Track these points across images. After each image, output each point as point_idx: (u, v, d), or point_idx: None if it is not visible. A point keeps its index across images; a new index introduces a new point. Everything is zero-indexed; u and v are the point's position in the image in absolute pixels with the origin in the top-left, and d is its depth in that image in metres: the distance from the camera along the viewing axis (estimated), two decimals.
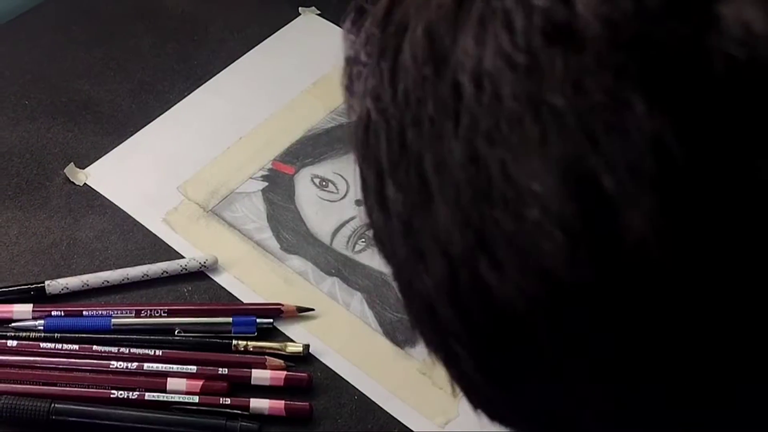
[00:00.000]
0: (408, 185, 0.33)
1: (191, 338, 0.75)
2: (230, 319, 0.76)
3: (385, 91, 0.33)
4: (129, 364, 0.72)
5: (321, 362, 0.76)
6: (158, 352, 0.73)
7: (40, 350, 0.73)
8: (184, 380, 0.72)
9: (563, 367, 0.32)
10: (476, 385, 0.37)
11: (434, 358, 0.39)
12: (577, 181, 0.28)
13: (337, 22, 1.01)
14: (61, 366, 0.72)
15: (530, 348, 0.32)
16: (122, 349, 0.73)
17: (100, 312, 0.75)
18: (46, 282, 0.76)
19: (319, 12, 1.02)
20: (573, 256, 0.29)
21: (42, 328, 0.74)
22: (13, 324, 0.74)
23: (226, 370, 0.73)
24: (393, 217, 0.34)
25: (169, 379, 0.72)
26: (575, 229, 0.28)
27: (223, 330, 0.76)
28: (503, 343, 0.33)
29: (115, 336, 0.74)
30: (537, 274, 0.30)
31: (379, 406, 0.74)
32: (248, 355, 0.75)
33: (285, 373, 0.73)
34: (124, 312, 0.75)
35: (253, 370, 0.73)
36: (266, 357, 0.74)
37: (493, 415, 0.40)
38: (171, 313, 0.75)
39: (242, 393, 0.72)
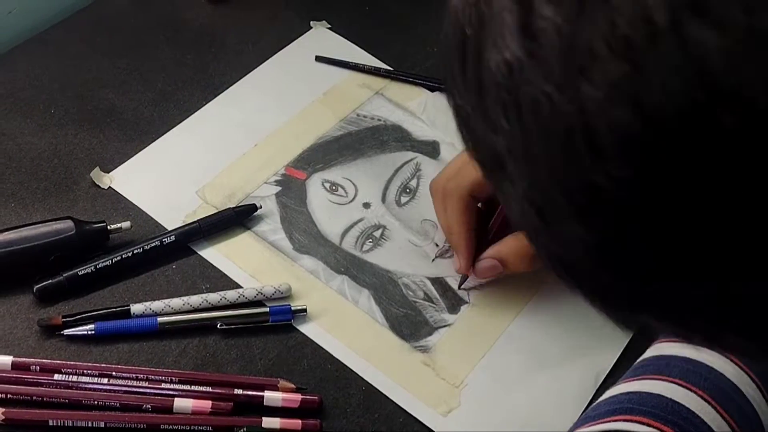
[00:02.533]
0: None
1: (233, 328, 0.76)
2: (267, 309, 0.77)
3: None
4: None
5: (331, 355, 0.76)
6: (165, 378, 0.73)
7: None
8: (191, 401, 0.71)
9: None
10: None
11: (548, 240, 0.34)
12: None
13: (346, 36, 1.02)
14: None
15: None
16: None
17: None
18: (132, 305, 0.76)
19: (329, 26, 1.03)
20: None
21: (93, 332, 0.74)
22: (65, 331, 0.74)
23: (241, 390, 0.73)
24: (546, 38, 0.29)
25: (176, 400, 0.71)
26: None
27: (262, 320, 0.77)
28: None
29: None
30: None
31: (385, 396, 0.74)
32: (261, 377, 0.74)
33: (299, 396, 0.73)
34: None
35: (266, 393, 0.73)
36: (279, 379, 0.74)
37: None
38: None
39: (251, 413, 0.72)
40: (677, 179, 0.28)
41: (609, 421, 0.64)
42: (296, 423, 0.71)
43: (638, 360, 0.70)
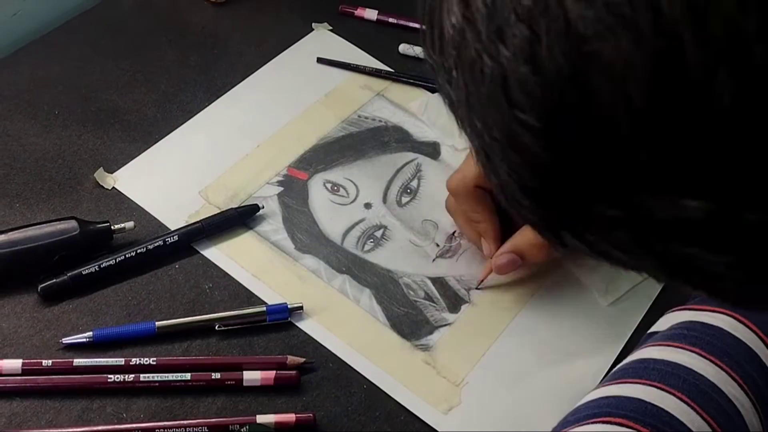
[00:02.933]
0: None
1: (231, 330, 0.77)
2: (264, 308, 0.77)
3: None
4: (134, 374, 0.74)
5: (333, 353, 0.76)
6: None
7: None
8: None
9: None
10: None
11: None
12: None
13: (347, 38, 1.03)
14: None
15: None
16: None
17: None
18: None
19: (330, 28, 1.03)
20: None
21: (92, 340, 0.74)
22: (64, 339, 0.74)
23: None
24: None
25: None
26: None
27: (259, 319, 0.77)
28: None
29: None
30: None
31: (386, 394, 0.75)
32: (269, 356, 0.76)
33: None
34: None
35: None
36: (287, 356, 0.75)
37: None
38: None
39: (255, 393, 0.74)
40: (569, 128, 0.33)
41: (588, 424, 0.64)
42: (290, 417, 0.72)
43: (619, 365, 0.71)
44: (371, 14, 1.04)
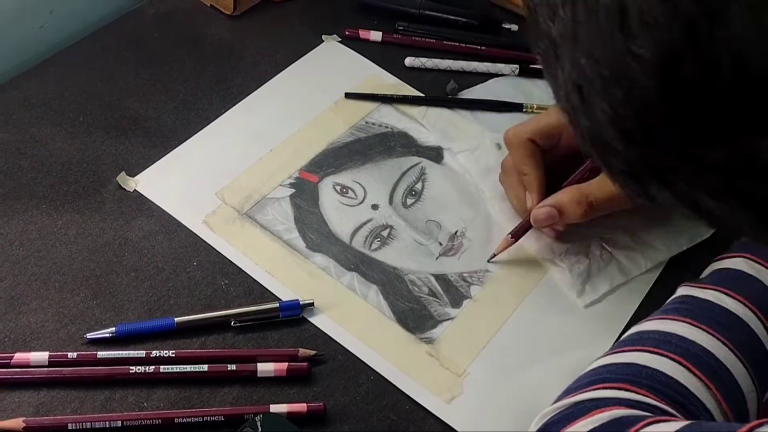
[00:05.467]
0: None
1: (246, 325, 0.77)
2: (277, 305, 0.77)
3: None
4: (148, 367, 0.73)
5: (342, 346, 0.76)
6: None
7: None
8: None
9: None
10: None
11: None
12: None
13: (355, 48, 1.03)
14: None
15: None
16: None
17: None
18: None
19: (339, 39, 1.03)
20: None
21: (115, 335, 0.74)
22: (88, 334, 0.74)
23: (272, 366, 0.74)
24: None
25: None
26: None
27: (272, 315, 0.77)
28: None
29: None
30: None
31: (392, 384, 0.75)
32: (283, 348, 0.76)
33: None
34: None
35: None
36: (299, 349, 0.75)
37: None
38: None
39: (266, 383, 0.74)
40: (691, 64, 0.31)
41: (588, 391, 0.64)
42: (302, 406, 0.72)
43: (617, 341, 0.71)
44: (376, 36, 1.03)
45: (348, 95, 0.96)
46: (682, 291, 0.74)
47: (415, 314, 0.80)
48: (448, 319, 0.80)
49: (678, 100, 0.32)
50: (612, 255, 0.84)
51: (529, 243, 0.85)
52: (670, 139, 0.34)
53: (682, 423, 0.57)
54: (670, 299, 0.75)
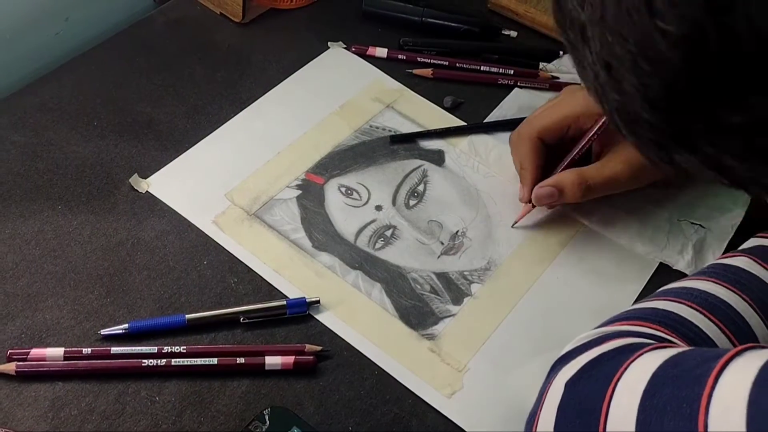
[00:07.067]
0: None
1: (255, 321, 0.77)
2: (285, 302, 0.77)
3: None
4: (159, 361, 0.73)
5: (346, 342, 0.77)
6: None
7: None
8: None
9: None
10: None
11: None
12: None
13: (360, 54, 1.03)
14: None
15: None
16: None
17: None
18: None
19: (345, 45, 1.03)
20: None
21: (127, 331, 0.75)
22: (102, 330, 0.74)
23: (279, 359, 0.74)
24: None
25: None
26: None
27: (280, 312, 0.77)
28: None
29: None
30: None
31: (395, 379, 0.75)
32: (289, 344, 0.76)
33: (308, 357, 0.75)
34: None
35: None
36: (305, 345, 0.76)
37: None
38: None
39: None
40: (710, 37, 0.33)
41: (606, 326, 0.67)
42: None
43: None
44: (382, 52, 1.03)
45: (393, 139, 0.94)
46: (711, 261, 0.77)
47: (417, 311, 0.80)
48: (449, 316, 0.80)
49: (701, 70, 0.34)
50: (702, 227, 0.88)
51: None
52: (694, 106, 0.36)
53: (684, 348, 0.59)
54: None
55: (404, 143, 0.94)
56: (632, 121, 0.39)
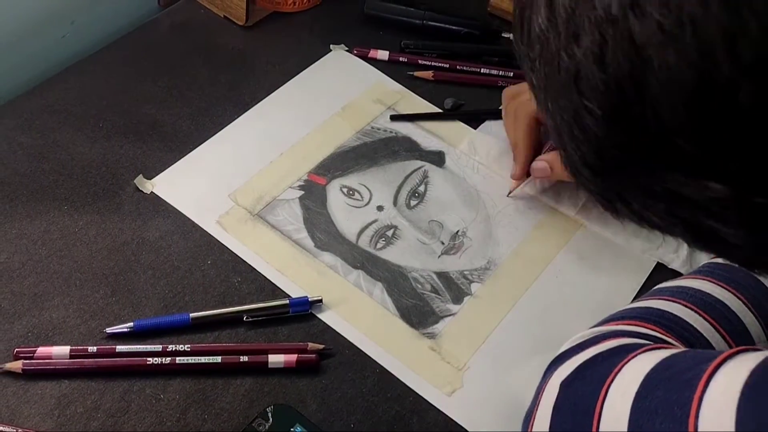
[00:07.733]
0: None
1: (258, 320, 0.77)
2: (287, 301, 0.78)
3: None
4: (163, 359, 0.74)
5: (348, 341, 0.77)
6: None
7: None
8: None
9: None
10: None
11: None
12: None
13: (362, 57, 1.03)
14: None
15: None
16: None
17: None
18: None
19: (347, 48, 1.03)
20: None
21: (132, 329, 0.75)
22: (107, 329, 0.74)
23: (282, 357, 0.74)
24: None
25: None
26: None
27: (283, 311, 0.77)
28: None
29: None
30: None
31: (396, 377, 0.75)
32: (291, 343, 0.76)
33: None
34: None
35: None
36: (308, 343, 0.76)
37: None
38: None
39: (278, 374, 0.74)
40: (625, 117, 0.37)
41: (602, 326, 0.68)
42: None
43: None
44: (383, 55, 1.03)
45: (393, 117, 0.96)
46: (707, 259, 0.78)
47: (418, 310, 0.80)
48: (449, 315, 0.80)
49: (621, 144, 0.38)
50: None
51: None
52: (620, 171, 0.40)
53: (677, 350, 0.59)
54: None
55: (404, 121, 0.96)
56: (577, 175, 0.43)
